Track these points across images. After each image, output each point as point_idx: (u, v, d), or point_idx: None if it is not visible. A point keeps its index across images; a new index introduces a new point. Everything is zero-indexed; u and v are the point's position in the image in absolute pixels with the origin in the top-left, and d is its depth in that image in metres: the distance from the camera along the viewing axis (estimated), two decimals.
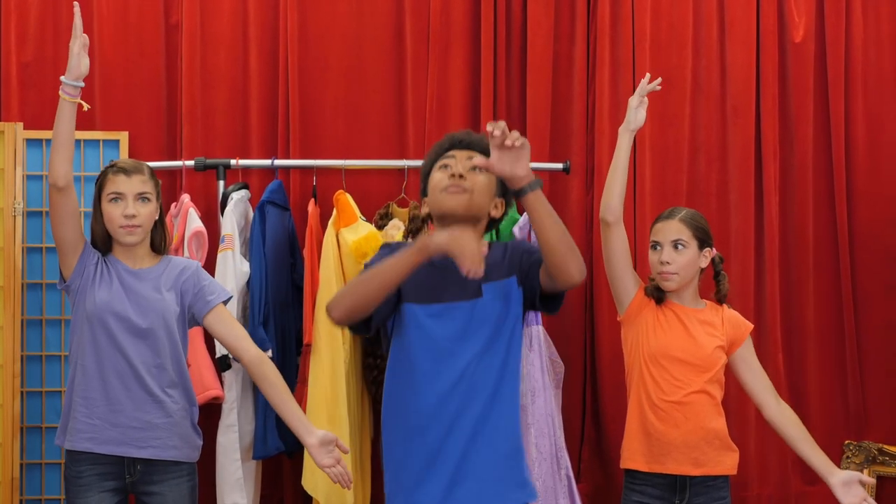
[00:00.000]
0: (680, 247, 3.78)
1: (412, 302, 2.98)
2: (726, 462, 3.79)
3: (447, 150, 3.06)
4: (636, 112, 3.94)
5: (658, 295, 3.82)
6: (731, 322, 3.85)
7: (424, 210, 3.09)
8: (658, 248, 3.80)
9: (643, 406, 3.77)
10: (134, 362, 3.53)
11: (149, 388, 3.54)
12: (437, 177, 3.02)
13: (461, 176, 2.97)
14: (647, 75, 4.00)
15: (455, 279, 2.90)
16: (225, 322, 3.65)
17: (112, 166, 3.62)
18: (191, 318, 3.65)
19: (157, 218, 3.65)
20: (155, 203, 3.62)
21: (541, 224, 2.85)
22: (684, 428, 3.72)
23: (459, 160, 3.01)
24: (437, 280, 2.98)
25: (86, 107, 3.61)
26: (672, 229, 3.80)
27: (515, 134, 2.77)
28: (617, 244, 3.83)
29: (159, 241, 3.67)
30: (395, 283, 2.90)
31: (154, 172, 3.68)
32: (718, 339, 3.79)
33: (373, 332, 3.05)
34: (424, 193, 3.10)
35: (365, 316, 2.94)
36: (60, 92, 3.52)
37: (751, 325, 3.90)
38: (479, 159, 2.88)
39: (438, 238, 2.81)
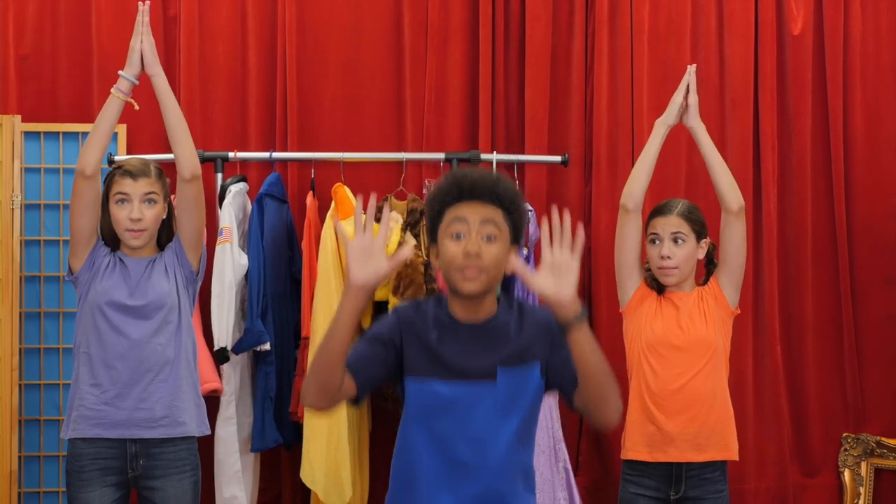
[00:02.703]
0: (679, 241, 3.79)
1: (412, 375, 2.71)
2: (730, 447, 3.80)
3: (456, 200, 2.71)
4: (679, 107, 3.95)
5: (659, 286, 3.84)
6: (708, 292, 3.85)
7: (436, 264, 2.76)
8: (657, 242, 3.81)
9: (643, 396, 3.78)
10: (136, 344, 3.55)
11: (153, 369, 3.56)
12: (451, 250, 2.68)
13: (477, 255, 2.66)
14: (691, 68, 3.99)
15: (467, 353, 2.70)
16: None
17: (119, 168, 3.63)
18: (187, 250, 3.68)
19: (164, 217, 3.66)
20: (161, 204, 3.64)
21: (584, 360, 2.61)
22: (686, 415, 3.73)
23: (473, 225, 2.67)
24: (441, 353, 2.71)
25: (136, 106, 3.75)
26: (671, 223, 3.81)
27: (566, 251, 2.56)
28: (631, 232, 3.85)
29: (165, 240, 3.69)
30: (347, 339, 2.58)
31: (162, 172, 3.69)
32: (710, 316, 3.80)
33: (362, 401, 2.75)
34: (433, 240, 2.75)
35: (338, 389, 2.62)
36: (113, 88, 3.67)
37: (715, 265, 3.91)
38: (516, 265, 2.62)
39: (351, 272, 2.56)
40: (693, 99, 3.95)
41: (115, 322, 3.56)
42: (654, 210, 3.89)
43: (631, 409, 3.84)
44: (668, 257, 3.78)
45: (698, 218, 3.86)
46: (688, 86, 3.95)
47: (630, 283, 3.87)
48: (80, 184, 3.59)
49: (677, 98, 3.95)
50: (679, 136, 5.08)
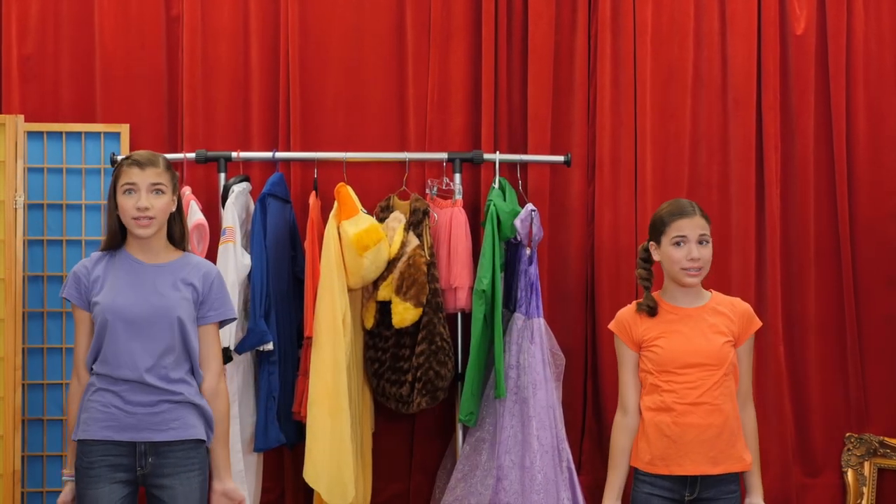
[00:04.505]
0: (704, 242, 3.79)
1: None
2: (744, 458, 3.80)
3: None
4: None
5: (650, 309, 3.81)
6: (743, 316, 3.83)
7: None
8: (683, 244, 3.78)
9: (659, 411, 3.77)
10: (143, 359, 3.52)
11: (159, 385, 3.54)
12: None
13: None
14: None
15: None
16: (207, 343, 3.68)
17: (127, 158, 3.61)
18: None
19: (173, 210, 3.64)
20: (170, 195, 3.60)
21: None
22: (701, 427, 3.72)
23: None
24: None
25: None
26: (697, 225, 3.79)
27: None
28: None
29: (178, 235, 3.66)
30: None
31: (170, 164, 3.66)
32: (726, 333, 3.78)
33: None
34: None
35: None
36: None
37: (759, 324, 3.88)
38: None
39: None
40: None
41: (120, 333, 3.54)
42: (673, 212, 3.83)
43: (646, 423, 3.82)
44: (698, 258, 3.77)
45: (709, 219, 3.86)
46: None
47: (631, 370, 3.89)
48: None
49: None
50: (681, 135, 5.09)
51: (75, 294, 3.62)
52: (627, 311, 3.89)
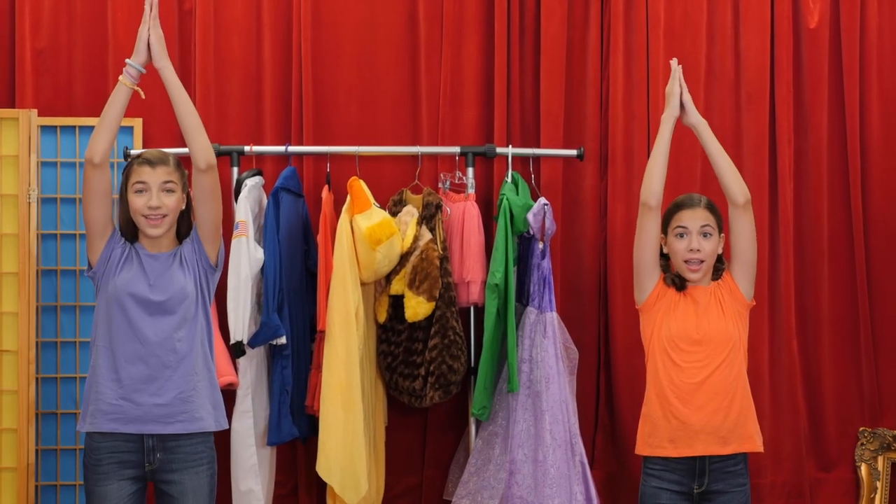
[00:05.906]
0: (707, 234, 3.79)
1: None
2: (754, 438, 3.80)
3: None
4: (677, 97, 3.91)
5: (680, 282, 3.82)
6: (723, 286, 3.85)
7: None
8: (685, 235, 3.80)
9: (665, 392, 3.77)
10: (156, 339, 3.55)
11: (171, 364, 3.56)
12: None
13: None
14: (674, 62, 3.97)
15: None
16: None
17: (138, 157, 3.66)
18: (204, 242, 3.69)
19: (183, 208, 3.67)
20: (179, 194, 3.65)
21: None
22: (709, 408, 3.73)
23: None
24: None
25: (142, 95, 3.75)
26: (699, 217, 3.80)
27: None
28: (653, 229, 3.84)
29: (185, 231, 3.70)
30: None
31: (180, 163, 3.70)
32: (727, 309, 3.80)
33: None
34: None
35: None
36: (120, 76, 3.70)
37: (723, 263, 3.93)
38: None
39: None
40: (686, 97, 3.92)
41: (135, 316, 3.57)
42: (677, 204, 3.87)
43: (650, 406, 3.83)
44: (698, 250, 3.78)
45: (719, 212, 3.87)
46: (679, 82, 3.92)
47: (650, 281, 3.86)
48: (89, 173, 3.61)
49: (673, 89, 3.92)
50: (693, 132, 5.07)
51: (114, 237, 3.64)
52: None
